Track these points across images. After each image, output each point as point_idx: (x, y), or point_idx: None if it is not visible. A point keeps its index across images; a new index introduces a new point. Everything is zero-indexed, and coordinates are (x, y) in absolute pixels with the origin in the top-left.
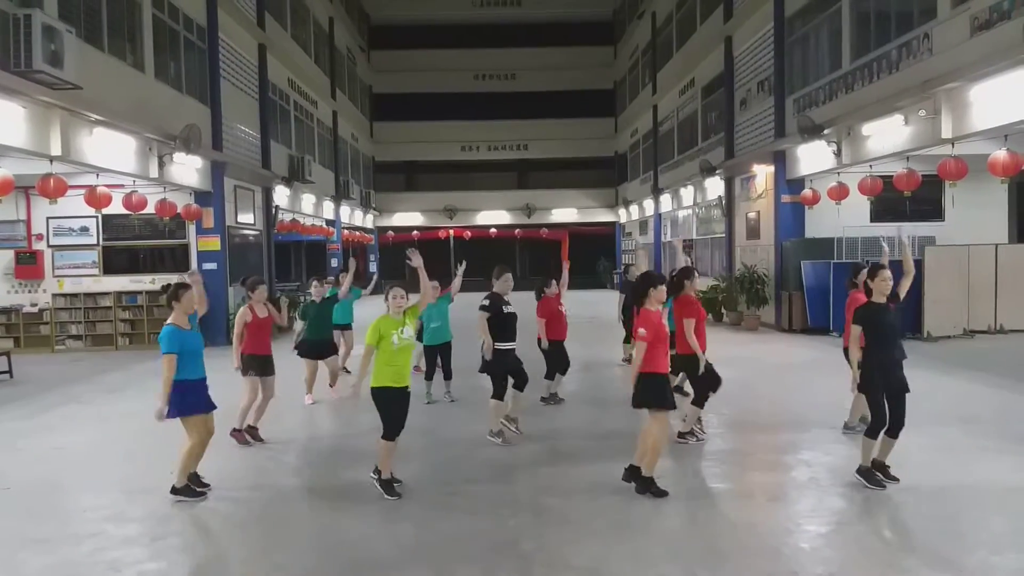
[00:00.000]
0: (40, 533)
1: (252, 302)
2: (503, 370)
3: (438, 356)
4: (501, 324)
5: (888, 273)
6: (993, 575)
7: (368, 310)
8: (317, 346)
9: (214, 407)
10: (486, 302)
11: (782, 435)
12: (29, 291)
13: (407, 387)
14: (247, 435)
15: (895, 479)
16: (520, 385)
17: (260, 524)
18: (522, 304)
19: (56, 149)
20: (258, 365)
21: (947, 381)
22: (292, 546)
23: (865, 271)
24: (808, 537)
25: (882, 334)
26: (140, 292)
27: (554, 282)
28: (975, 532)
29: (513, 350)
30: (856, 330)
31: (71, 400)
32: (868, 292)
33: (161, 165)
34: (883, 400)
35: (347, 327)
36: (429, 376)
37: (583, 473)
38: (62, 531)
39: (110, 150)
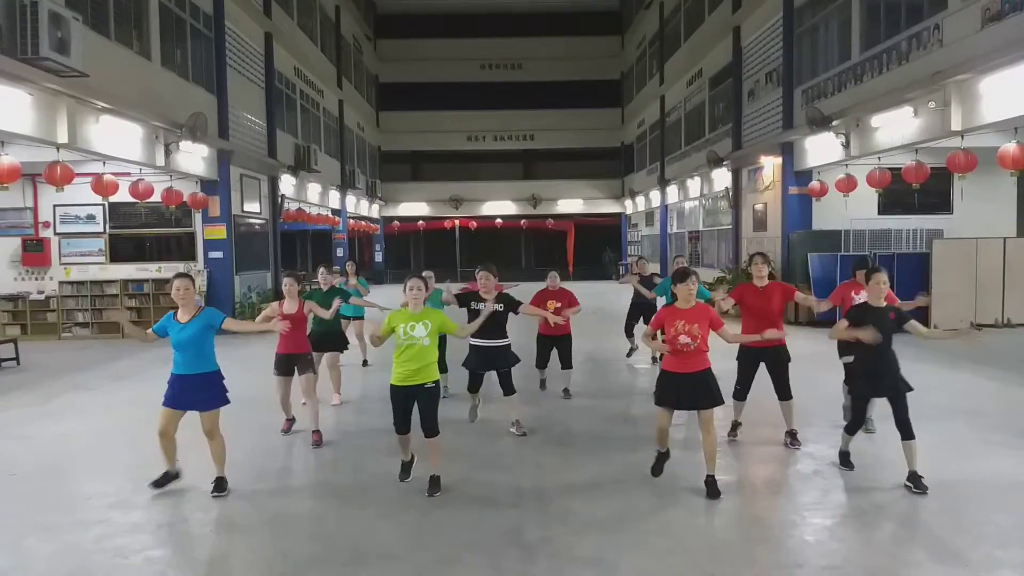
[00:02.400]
0: (46, 520)
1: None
2: (473, 366)
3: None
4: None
5: (883, 276)
6: (999, 569)
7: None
8: (320, 337)
9: (188, 408)
10: (462, 298)
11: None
12: (36, 278)
13: (418, 385)
14: (291, 424)
15: (923, 489)
16: (505, 392)
17: (266, 513)
18: (525, 296)
19: (63, 137)
20: (280, 364)
21: (953, 375)
22: (297, 534)
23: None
24: (813, 530)
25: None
26: (146, 280)
27: (553, 274)
28: (980, 526)
29: (489, 348)
30: (841, 322)
31: (77, 387)
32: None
33: (167, 153)
34: (867, 404)
35: (359, 317)
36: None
37: (588, 464)
38: (68, 518)
39: (116, 138)
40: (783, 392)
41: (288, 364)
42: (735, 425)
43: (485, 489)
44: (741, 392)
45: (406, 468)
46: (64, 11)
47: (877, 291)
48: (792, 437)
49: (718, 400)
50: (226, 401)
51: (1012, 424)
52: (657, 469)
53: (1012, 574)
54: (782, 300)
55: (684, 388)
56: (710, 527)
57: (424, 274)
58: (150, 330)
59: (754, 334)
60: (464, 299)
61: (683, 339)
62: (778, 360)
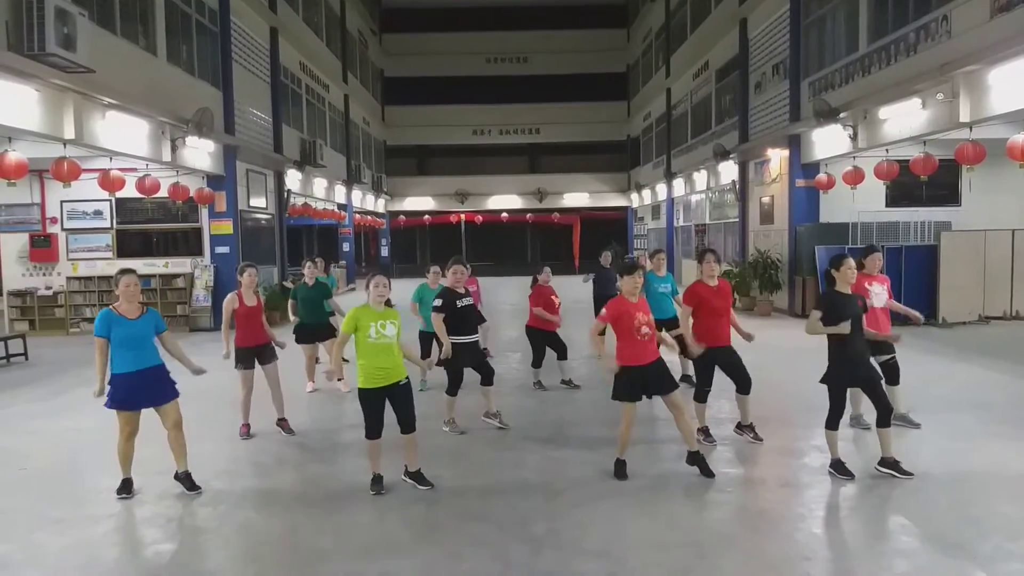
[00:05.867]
0: (56, 514)
1: (241, 288)
2: (460, 365)
3: (433, 342)
4: (457, 319)
5: (852, 262)
6: (1008, 561)
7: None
8: (311, 330)
9: (148, 405)
10: (439, 302)
11: (794, 420)
12: (44, 274)
13: (391, 384)
14: (248, 429)
15: (908, 474)
16: (486, 381)
17: (273, 508)
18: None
19: (69, 132)
20: (245, 358)
21: (961, 367)
22: (306, 529)
23: (875, 254)
24: (820, 522)
25: (851, 326)
26: (153, 275)
27: (547, 269)
28: (989, 518)
29: (474, 343)
30: (814, 315)
31: (86, 382)
32: (832, 281)
33: (174, 149)
34: (844, 393)
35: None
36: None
37: (594, 457)
38: (78, 512)
39: (123, 134)
40: (743, 387)
41: (250, 356)
42: (704, 431)
43: (490, 483)
44: (704, 393)
45: (379, 481)
46: (70, 7)
47: (845, 277)
48: (753, 432)
49: (676, 383)
50: (178, 392)
51: (1020, 416)
52: (623, 474)
53: (1022, 566)
54: (730, 299)
55: (649, 378)
56: (718, 520)
57: (433, 269)
58: (99, 341)
59: (706, 334)
60: (446, 304)
61: (644, 330)
62: (730, 358)
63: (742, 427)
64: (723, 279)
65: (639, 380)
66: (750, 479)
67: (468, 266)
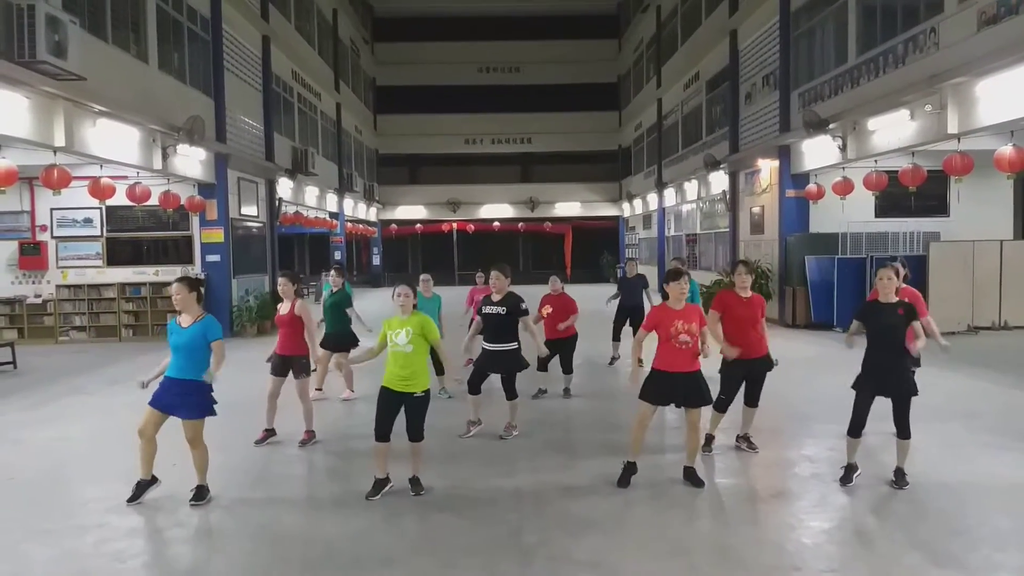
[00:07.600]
0: (44, 524)
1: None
2: (478, 364)
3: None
4: (483, 323)
5: (884, 272)
6: (997, 572)
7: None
8: (331, 339)
9: (168, 411)
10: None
11: (785, 430)
12: (33, 282)
13: (407, 393)
14: (266, 436)
15: (902, 485)
16: (507, 396)
17: (263, 517)
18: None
19: (60, 140)
20: (273, 363)
21: (951, 377)
22: (295, 539)
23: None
24: (811, 533)
25: (877, 335)
26: (144, 284)
27: (555, 279)
28: (978, 529)
29: (495, 351)
30: (854, 325)
31: (75, 391)
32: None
33: (165, 157)
34: (867, 401)
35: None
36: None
37: (585, 466)
38: (65, 522)
39: (114, 141)
40: (752, 399)
41: (283, 365)
42: (709, 439)
43: (483, 492)
44: (725, 403)
45: (378, 486)
46: (61, 14)
47: (882, 287)
48: (748, 442)
49: (707, 400)
50: (210, 413)
51: (1009, 426)
52: (625, 480)
53: None
54: (762, 311)
55: (677, 386)
56: (709, 530)
57: (423, 277)
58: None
59: (738, 344)
60: (479, 305)
61: (683, 337)
62: (763, 371)
63: (739, 437)
64: (756, 293)
65: (667, 387)
66: (741, 489)
67: (481, 274)
